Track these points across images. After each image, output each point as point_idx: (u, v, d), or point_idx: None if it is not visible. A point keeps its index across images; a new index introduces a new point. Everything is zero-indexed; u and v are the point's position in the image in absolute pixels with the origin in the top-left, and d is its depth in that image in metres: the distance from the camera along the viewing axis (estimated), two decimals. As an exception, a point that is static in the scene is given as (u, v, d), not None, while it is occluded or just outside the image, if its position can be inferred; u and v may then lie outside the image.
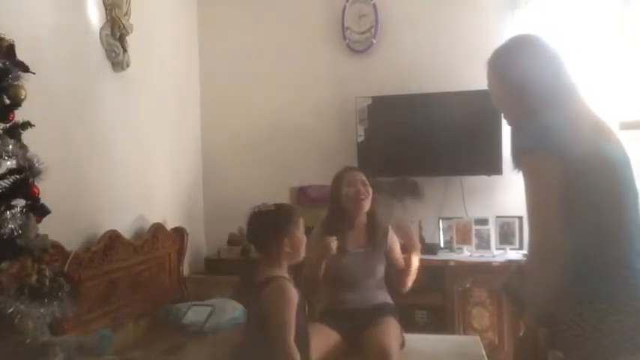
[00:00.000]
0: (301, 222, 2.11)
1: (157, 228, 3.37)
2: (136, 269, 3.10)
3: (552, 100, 1.70)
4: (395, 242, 2.84)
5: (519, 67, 1.77)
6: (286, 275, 2.05)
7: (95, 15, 2.96)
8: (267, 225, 2.03)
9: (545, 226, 1.60)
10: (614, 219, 1.66)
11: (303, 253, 2.10)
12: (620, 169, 1.70)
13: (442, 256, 3.66)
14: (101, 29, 2.99)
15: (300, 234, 2.08)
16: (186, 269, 3.73)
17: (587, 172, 1.62)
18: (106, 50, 3.02)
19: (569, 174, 1.59)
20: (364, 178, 2.78)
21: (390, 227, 2.85)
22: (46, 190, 1.78)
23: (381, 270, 2.77)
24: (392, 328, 2.58)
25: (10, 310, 1.64)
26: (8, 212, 1.68)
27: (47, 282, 1.77)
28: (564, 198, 1.59)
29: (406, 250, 2.78)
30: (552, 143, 1.60)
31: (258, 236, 2.09)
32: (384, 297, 2.78)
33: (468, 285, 3.51)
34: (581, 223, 1.62)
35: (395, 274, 2.80)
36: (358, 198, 2.73)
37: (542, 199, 1.61)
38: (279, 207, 2.08)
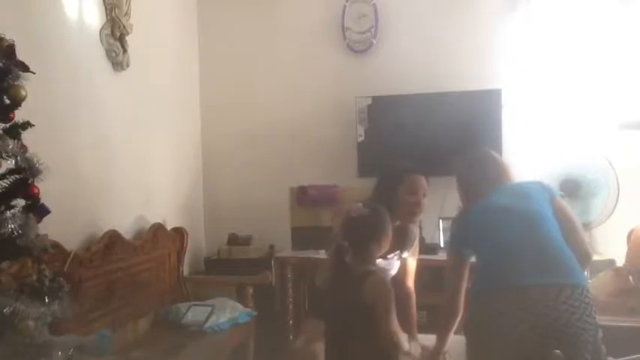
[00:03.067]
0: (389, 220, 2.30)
1: (157, 228, 3.37)
2: (136, 269, 3.10)
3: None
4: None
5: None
6: (379, 269, 2.29)
7: (95, 15, 2.96)
8: (367, 227, 2.23)
9: None
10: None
11: (387, 248, 2.32)
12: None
13: (442, 256, 3.65)
14: (101, 29, 2.99)
15: (390, 232, 2.29)
16: (186, 269, 3.73)
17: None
18: (106, 50, 3.03)
19: None
20: (426, 187, 2.51)
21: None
22: (46, 190, 1.78)
23: None
24: None
25: (10, 310, 1.64)
26: (8, 212, 1.68)
27: (47, 282, 1.78)
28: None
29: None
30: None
31: (357, 237, 2.23)
32: None
33: (468, 285, 3.50)
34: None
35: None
36: (418, 211, 2.48)
37: None
38: (374, 211, 2.26)
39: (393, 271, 2.60)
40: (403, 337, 2.23)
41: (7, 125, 1.74)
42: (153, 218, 3.40)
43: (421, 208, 2.50)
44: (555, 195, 2.24)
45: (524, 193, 2.20)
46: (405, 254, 2.64)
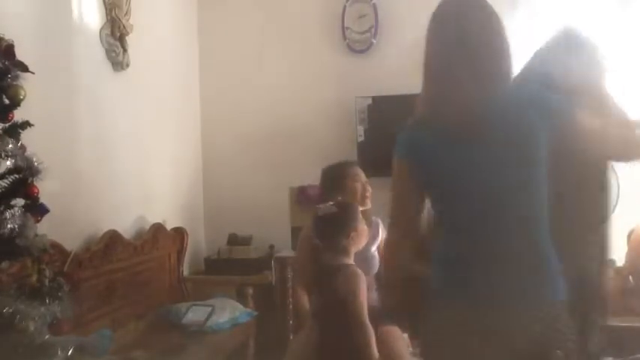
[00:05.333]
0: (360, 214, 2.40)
1: (157, 228, 3.37)
2: (136, 269, 3.10)
3: None
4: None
5: None
6: (353, 262, 2.33)
7: (95, 15, 2.96)
8: (334, 224, 2.32)
9: None
10: None
11: (365, 241, 2.42)
12: None
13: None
14: (101, 29, 2.99)
15: (363, 226, 2.38)
16: (186, 269, 3.73)
17: None
18: (106, 50, 3.02)
19: None
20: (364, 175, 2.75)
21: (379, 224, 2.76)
22: (46, 190, 1.79)
23: None
24: (396, 331, 2.54)
25: (10, 310, 1.64)
26: (8, 212, 1.68)
27: (47, 282, 1.78)
28: None
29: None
30: None
31: (327, 235, 2.35)
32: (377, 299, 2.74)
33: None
34: None
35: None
36: (365, 195, 2.68)
37: None
38: (341, 208, 2.35)
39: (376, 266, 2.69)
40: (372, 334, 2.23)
41: (7, 125, 1.74)
42: (153, 218, 3.40)
43: (369, 193, 2.69)
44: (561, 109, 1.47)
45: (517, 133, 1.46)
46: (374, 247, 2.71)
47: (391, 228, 1.64)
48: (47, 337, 1.73)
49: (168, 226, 3.55)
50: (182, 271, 3.61)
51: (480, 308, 1.42)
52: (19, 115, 1.77)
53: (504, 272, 1.43)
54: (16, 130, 1.75)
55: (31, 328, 1.67)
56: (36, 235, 1.72)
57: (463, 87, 1.47)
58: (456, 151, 1.47)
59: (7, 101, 1.73)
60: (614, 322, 2.70)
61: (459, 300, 1.46)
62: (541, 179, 1.48)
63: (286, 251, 3.67)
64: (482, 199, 1.47)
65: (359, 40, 4.01)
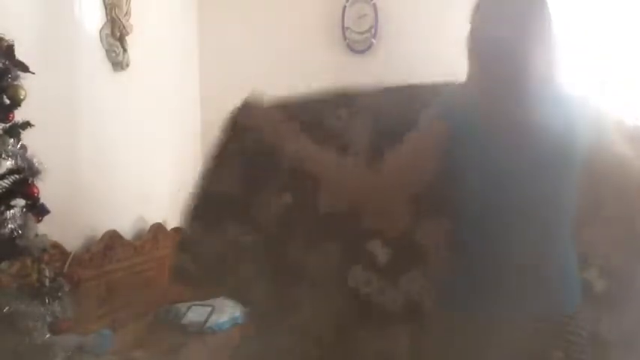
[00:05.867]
0: None
1: (157, 228, 3.36)
2: (136, 269, 3.09)
3: None
4: None
5: None
6: None
7: (95, 15, 2.96)
8: None
9: None
10: None
11: None
12: None
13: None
14: (101, 29, 2.99)
15: None
16: (186, 269, 3.72)
17: None
18: (106, 50, 3.02)
19: None
20: None
21: None
22: (46, 190, 1.79)
23: None
24: None
25: (10, 310, 1.64)
26: (8, 212, 1.68)
27: (47, 282, 1.78)
28: None
29: None
30: None
31: None
32: None
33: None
34: None
35: None
36: None
37: None
38: None
39: None
40: None
41: (7, 125, 1.74)
42: (153, 218, 3.40)
43: None
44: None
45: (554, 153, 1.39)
46: None
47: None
48: (47, 337, 1.73)
49: (169, 226, 3.55)
50: (182, 271, 3.60)
51: (494, 318, 1.38)
52: (19, 115, 1.77)
53: (522, 283, 1.39)
54: (16, 130, 1.75)
55: (31, 328, 1.67)
56: (36, 235, 1.73)
57: (513, 89, 1.39)
58: (496, 150, 1.38)
59: (7, 101, 1.73)
60: None
61: (474, 310, 1.41)
62: (570, 193, 1.43)
63: (286, 251, 3.66)
64: (510, 207, 1.39)
65: (359, 40, 4.00)
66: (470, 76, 1.52)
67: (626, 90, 3.43)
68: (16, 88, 1.73)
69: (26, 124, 1.77)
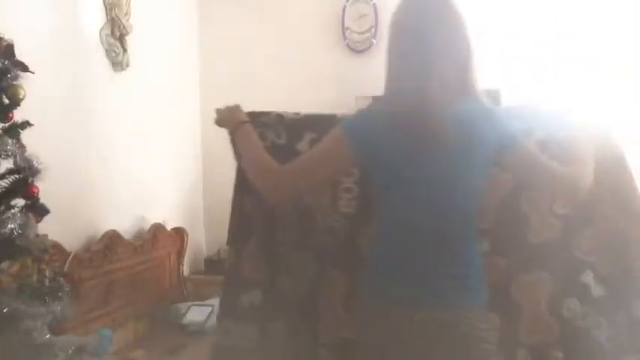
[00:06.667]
0: None
1: (157, 228, 3.36)
2: (136, 269, 3.10)
3: None
4: None
5: None
6: None
7: (95, 15, 2.96)
8: None
9: None
10: None
11: None
12: None
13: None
14: (101, 29, 2.99)
15: None
16: (186, 269, 3.73)
17: None
18: (106, 50, 3.02)
19: None
20: None
21: None
22: (46, 190, 1.78)
23: None
24: None
25: (10, 310, 1.64)
26: (8, 212, 1.68)
27: (47, 282, 1.78)
28: None
29: None
30: None
31: None
32: None
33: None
34: None
35: None
36: None
37: None
38: None
39: None
40: None
41: (7, 125, 1.74)
42: (153, 218, 3.40)
43: None
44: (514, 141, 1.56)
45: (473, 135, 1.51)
46: None
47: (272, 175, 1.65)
48: (47, 337, 1.72)
49: (169, 226, 3.55)
50: (182, 271, 3.61)
51: (407, 308, 1.49)
52: (19, 115, 1.76)
53: (431, 276, 1.52)
54: (16, 130, 1.75)
55: (31, 328, 1.67)
56: (36, 235, 1.72)
57: (423, 92, 1.47)
58: (407, 153, 1.49)
59: (7, 101, 1.73)
60: None
61: (388, 298, 1.53)
62: (478, 193, 1.55)
63: (286, 251, 3.66)
64: (421, 205, 1.51)
65: (359, 40, 4.00)
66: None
67: (615, 80, 3.47)
68: (16, 87, 1.72)
69: (25, 124, 1.77)
